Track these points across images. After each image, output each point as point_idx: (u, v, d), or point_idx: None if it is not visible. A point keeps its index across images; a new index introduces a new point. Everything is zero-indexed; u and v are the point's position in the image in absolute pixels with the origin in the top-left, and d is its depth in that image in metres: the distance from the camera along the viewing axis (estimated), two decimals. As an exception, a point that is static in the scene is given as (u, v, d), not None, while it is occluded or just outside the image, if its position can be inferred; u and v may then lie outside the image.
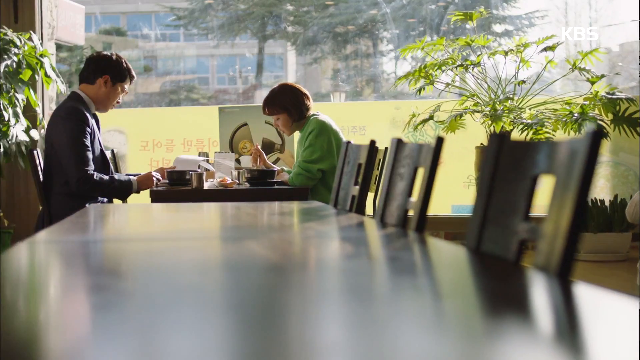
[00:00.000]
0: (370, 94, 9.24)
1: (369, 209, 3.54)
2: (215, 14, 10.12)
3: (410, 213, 1.76)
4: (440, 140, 1.60)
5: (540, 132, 4.02)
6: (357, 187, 2.28)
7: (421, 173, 1.74)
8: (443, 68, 4.52)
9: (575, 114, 4.10)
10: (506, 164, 1.25)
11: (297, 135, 4.86)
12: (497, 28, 8.55)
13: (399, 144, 1.87)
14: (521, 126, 4.12)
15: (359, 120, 5.51)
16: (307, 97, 3.87)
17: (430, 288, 1.04)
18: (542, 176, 1.17)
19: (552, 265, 1.03)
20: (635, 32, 5.67)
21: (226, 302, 0.92)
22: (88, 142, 3.43)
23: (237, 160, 4.21)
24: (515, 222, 1.18)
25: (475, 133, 4.72)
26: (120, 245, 1.45)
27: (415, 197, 1.73)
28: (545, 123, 4.07)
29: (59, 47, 8.71)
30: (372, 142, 2.18)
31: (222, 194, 3.56)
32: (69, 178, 3.41)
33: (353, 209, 2.21)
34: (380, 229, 1.69)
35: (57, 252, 1.33)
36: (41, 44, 4.68)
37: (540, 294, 0.99)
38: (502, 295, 0.97)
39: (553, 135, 4.08)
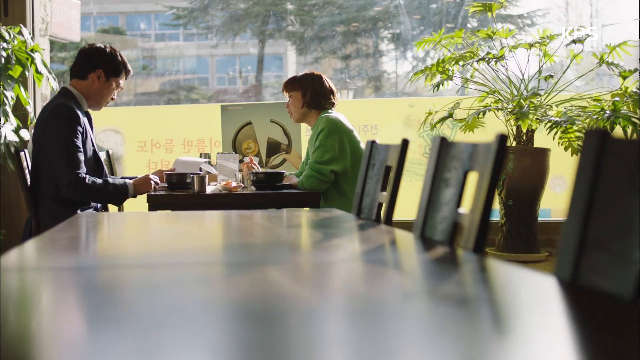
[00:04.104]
0: (377, 92, 8.95)
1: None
2: (215, 13, 9.91)
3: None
4: (503, 139, 1.29)
5: (570, 130, 3.71)
6: (385, 194, 1.98)
7: (473, 178, 1.44)
8: (461, 62, 4.22)
9: (607, 111, 3.79)
10: (612, 170, 0.95)
11: (304, 133, 4.57)
12: (498, 27, 8.34)
13: (443, 143, 1.56)
14: (549, 124, 3.82)
15: (369, 119, 5.21)
16: (332, 93, 3.61)
17: (534, 350, 0.74)
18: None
19: None
20: (636, 32, 5.41)
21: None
22: (79, 143, 3.14)
23: (241, 162, 3.90)
24: (633, 248, 0.88)
25: (494, 132, 4.42)
26: (107, 275, 1.14)
27: (466, 207, 1.43)
28: (576, 121, 3.76)
29: (57, 47, 8.42)
30: (405, 142, 1.87)
31: (226, 199, 3.28)
32: (59, 182, 3.12)
33: (381, 219, 1.91)
34: (428, 249, 1.39)
35: (26, 286, 1.03)
36: (32, 38, 4.38)
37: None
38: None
39: (584, 134, 3.77)
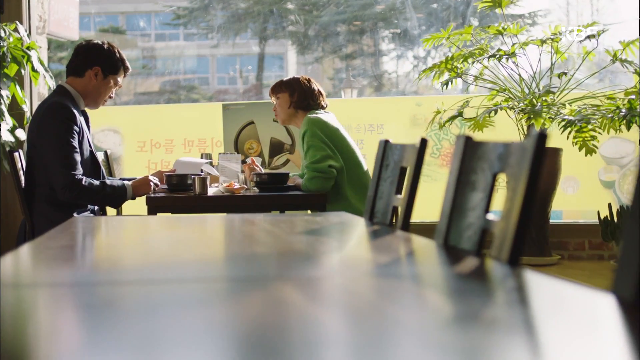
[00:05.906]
0: (382, 90, 8.84)
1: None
2: (215, 13, 9.82)
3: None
4: (542, 138, 1.16)
5: (584, 129, 3.58)
6: (400, 197, 1.85)
7: (502, 182, 1.31)
8: (470, 59, 4.09)
9: (623, 110, 3.66)
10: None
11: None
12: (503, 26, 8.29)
13: (468, 142, 1.43)
14: (563, 123, 3.69)
15: (375, 118, 5.07)
16: (321, 94, 3.51)
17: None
18: None
19: None
20: (636, 31, 5.32)
21: None
22: (76, 143, 3.01)
23: (244, 162, 3.77)
24: None
25: (502, 131, 4.31)
26: (100, 293, 1.01)
27: (495, 213, 1.30)
28: (591, 120, 3.64)
29: (55, 46, 8.28)
30: (423, 141, 1.74)
31: (228, 201, 3.15)
32: (54, 184, 2.99)
33: (398, 224, 1.78)
34: (458, 260, 1.26)
35: (10, 306, 0.90)
36: (28, 35, 4.26)
37: None
38: None
39: (599, 133, 3.65)
